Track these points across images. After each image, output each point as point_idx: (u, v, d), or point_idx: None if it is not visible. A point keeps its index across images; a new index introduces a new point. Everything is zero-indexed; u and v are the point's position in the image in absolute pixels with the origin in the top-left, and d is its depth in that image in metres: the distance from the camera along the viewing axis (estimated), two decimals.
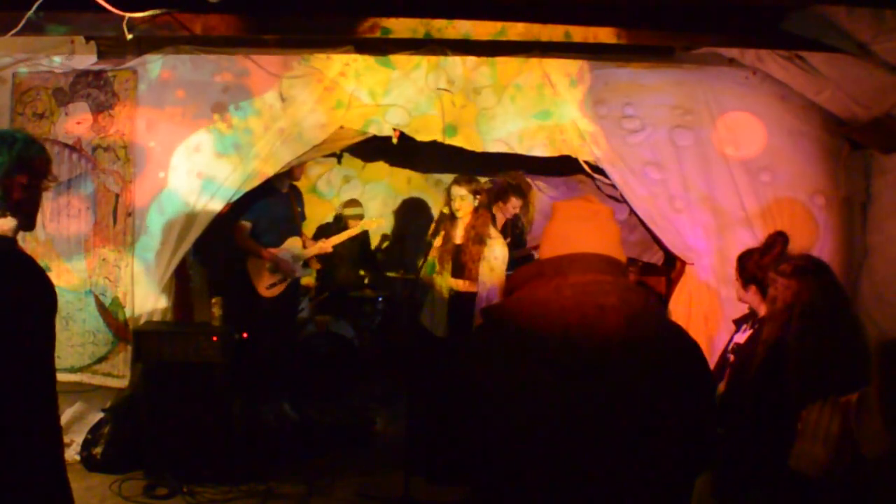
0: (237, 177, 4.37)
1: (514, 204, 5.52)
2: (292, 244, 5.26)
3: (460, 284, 4.40)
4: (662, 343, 1.50)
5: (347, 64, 4.35)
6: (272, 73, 4.35)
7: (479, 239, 4.34)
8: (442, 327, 4.45)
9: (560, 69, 4.39)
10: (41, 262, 2.03)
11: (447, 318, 4.43)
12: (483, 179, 5.51)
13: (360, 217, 6.34)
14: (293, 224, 5.34)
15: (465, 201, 4.38)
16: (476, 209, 4.40)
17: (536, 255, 5.02)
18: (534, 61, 4.37)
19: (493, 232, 4.48)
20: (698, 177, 4.41)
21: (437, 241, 4.48)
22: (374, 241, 6.96)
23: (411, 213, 7.05)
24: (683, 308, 4.47)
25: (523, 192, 5.62)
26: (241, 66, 4.36)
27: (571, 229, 1.60)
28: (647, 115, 4.42)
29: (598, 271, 1.54)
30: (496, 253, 4.37)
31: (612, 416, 1.44)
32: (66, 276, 4.30)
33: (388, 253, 6.92)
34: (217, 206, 4.39)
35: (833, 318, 2.57)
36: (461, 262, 4.38)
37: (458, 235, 4.45)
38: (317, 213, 6.75)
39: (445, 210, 4.48)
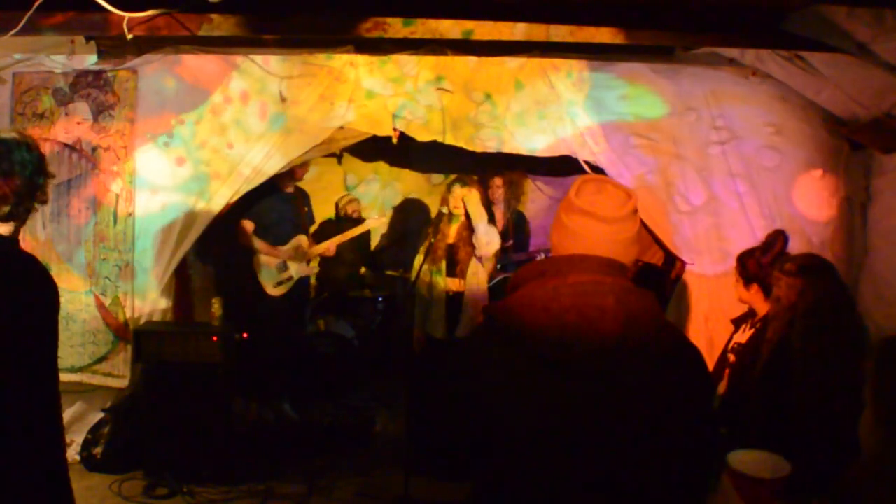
0: (235, 176, 4.37)
1: (497, 184, 5.47)
2: (298, 243, 5.27)
3: (455, 284, 4.40)
4: (660, 345, 1.50)
5: (352, 61, 4.35)
6: (272, 73, 4.35)
7: (471, 238, 4.35)
8: (440, 328, 4.46)
9: (561, 69, 4.39)
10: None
11: (445, 319, 4.43)
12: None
13: (357, 212, 6.34)
14: (298, 224, 5.34)
15: (461, 201, 4.39)
16: None
17: (540, 257, 5.03)
18: (534, 61, 4.37)
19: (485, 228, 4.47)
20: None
21: (433, 240, 4.48)
22: (374, 241, 6.96)
23: (411, 213, 7.04)
24: (683, 308, 4.47)
25: (502, 172, 5.58)
26: (237, 66, 4.36)
27: (584, 226, 1.57)
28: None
29: (598, 272, 1.53)
30: (484, 244, 4.37)
31: (609, 417, 1.44)
32: (66, 276, 4.30)
33: (387, 252, 6.91)
34: (217, 206, 4.39)
35: (837, 318, 2.58)
36: (455, 262, 4.39)
37: (452, 235, 4.45)
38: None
39: (444, 210, 4.49)
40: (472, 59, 4.38)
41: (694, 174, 4.41)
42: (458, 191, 4.43)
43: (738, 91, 4.40)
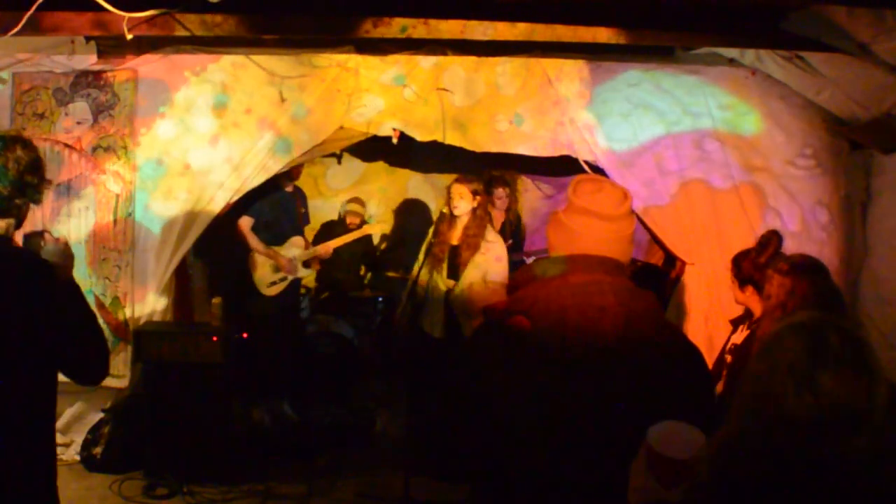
0: (235, 176, 4.38)
1: (499, 195, 5.49)
2: (295, 243, 5.27)
3: (454, 285, 4.40)
4: (660, 344, 1.50)
5: (352, 61, 4.35)
6: (272, 72, 4.36)
7: (474, 243, 4.34)
8: (439, 328, 4.45)
9: (562, 69, 4.39)
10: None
11: (444, 319, 4.43)
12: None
13: (359, 215, 6.34)
14: (296, 224, 5.35)
15: (463, 200, 4.38)
16: (474, 210, 4.39)
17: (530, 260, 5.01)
18: (534, 61, 4.37)
19: (490, 235, 4.47)
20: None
21: (434, 241, 4.47)
22: (374, 241, 6.96)
23: (411, 214, 7.04)
24: (683, 308, 4.47)
25: (507, 182, 5.59)
26: (238, 65, 4.37)
27: (584, 225, 1.57)
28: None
29: (599, 272, 1.54)
30: (497, 254, 4.37)
31: (609, 417, 1.44)
32: None
33: (387, 253, 6.92)
34: (217, 205, 4.39)
35: None
36: (456, 264, 4.38)
37: (455, 236, 4.45)
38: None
39: (445, 210, 4.48)
40: (473, 58, 4.38)
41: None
42: (456, 189, 4.43)
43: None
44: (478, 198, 4.41)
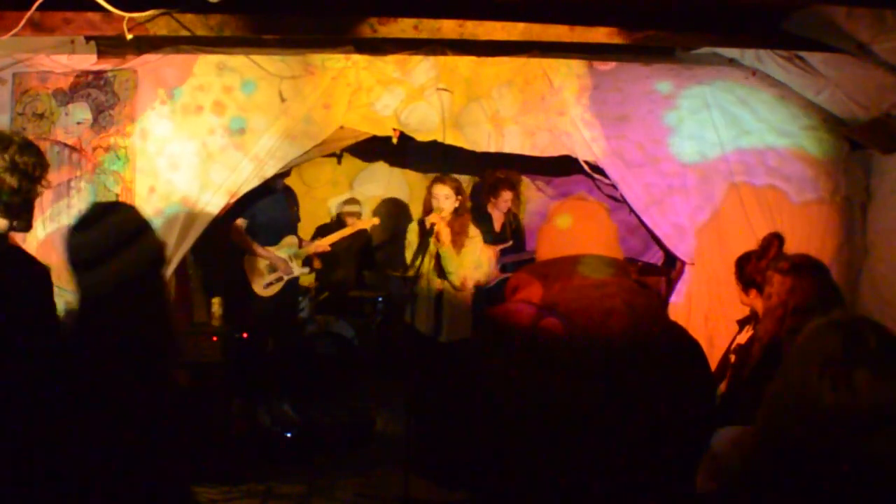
0: (235, 177, 4.38)
1: (505, 197, 5.49)
2: (289, 242, 5.27)
3: (441, 284, 4.41)
4: (665, 344, 1.51)
5: (352, 61, 4.35)
6: (272, 73, 4.35)
7: (459, 240, 4.36)
8: (430, 326, 4.45)
9: (561, 69, 4.39)
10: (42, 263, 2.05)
11: (434, 316, 4.43)
12: (465, 178, 5.50)
13: (358, 215, 6.34)
14: (289, 223, 5.35)
15: (448, 200, 4.38)
16: (456, 210, 4.39)
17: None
18: (534, 61, 4.37)
19: (472, 231, 4.48)
20: None
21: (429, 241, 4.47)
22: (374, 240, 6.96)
23: (404, 212, 7.04)
24: (683, 308, 4.46)
25: (514, 184, 5.60)
26: (237, 65, 4.37)
27: (570, 229, 1.59)
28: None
29: (602, 273, 1.54)
30: (479, 247, 4.38)
31: (617, 418, 1.44)
32: (66, 275, 4.28)
33: (387, 252, 6.92)
34: (217, 206, 4.39)
35: None
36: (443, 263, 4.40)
37: (444, 236, 4.45)
38: None
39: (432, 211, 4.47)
40: (472, 59, 4.38)
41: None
42: (439, 190, 4.42)
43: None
44: (459, 197, 4.42)
